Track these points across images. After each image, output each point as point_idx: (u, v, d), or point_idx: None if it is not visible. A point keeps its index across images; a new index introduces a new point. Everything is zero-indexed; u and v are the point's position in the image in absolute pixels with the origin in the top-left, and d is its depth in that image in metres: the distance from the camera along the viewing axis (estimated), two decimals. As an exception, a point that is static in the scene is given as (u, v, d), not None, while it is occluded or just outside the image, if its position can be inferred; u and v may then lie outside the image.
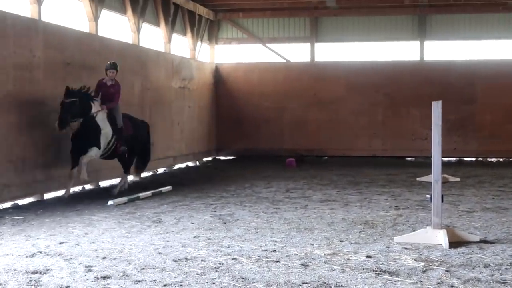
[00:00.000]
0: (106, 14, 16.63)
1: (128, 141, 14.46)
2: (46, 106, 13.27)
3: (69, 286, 6.71)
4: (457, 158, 22.54)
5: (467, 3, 22.50)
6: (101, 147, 13.70)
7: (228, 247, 8.74)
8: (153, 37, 20.01)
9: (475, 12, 23.14)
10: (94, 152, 13.43)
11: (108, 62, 13.96)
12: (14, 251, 8.39)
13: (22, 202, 12.79)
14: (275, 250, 8.52)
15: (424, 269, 7.57)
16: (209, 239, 9.28)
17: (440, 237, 8.91)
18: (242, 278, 7.10)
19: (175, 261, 7.88)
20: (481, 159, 23.20)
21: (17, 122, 12.51)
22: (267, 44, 24.75)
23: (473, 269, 7.59)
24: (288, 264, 7.79)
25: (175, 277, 7.10)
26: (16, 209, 12.10)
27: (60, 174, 13.64)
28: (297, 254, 8.31)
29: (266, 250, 8.57)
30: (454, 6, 22.89)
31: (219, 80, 24.51)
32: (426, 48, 23.99)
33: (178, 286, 6.75)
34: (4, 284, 6.78)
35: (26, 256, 8.04)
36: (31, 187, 12.98)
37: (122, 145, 14.21)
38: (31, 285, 6.75)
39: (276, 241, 9.09)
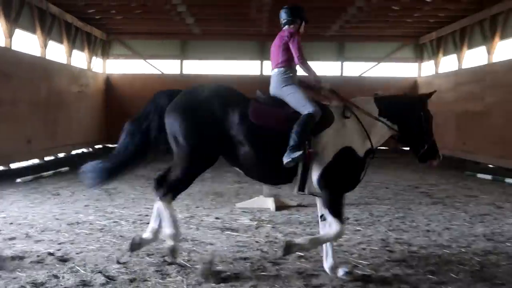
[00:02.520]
0: (19, 33, 15.72)
1: None
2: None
3: (-20, 246, 6.43)
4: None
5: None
6: None
7: (111, 213, 8.62)
8: (57, 52, 19.21)
9: (302, 40, 23.73)
10: None
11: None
12: None
13: None
14: (147, 215, 8.46)
15: (257, 226, 7.79)
16: (96, 207, 9.11)
17: (270, 203, 9.18)
18: (121, 236, 7.04)
19: (69, 224, 7.68)
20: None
21: None
22: (147, 60, 24.39)
23: (291, 225, 7.89)
24: (156, 225, 7.80)
25: (68, 237, 6.92)
26: None
27: None
28: (164, 217, 8.33)
29: (140, 215, 8.52)
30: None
31: (110, 87, 23.86)
32: (265, 65, 24.44)
33: (70, 243, 6.58)
34: None
35: None
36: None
37: None
38: (-51, 246, 6.41)
39: (148, 208, 9.02)
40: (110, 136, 23.92)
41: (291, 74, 5.70)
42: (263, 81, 22.74)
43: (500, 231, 7.53)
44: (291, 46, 5.64)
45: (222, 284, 5.20)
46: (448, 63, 21.46)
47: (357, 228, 7.70)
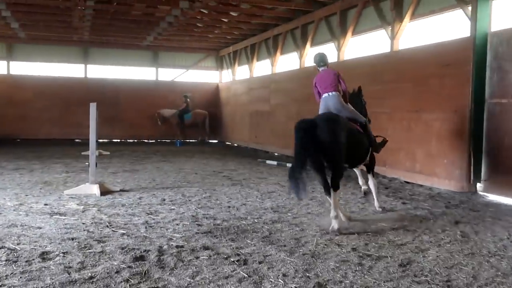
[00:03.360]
0: None
1: None
2: None
3: None
4: (108, 140, 22.19)
5: (116, 42, 22.26)
6: None
7: None
8: None
9: (121, 48, 23.03)
10: None
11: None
12: None
13: None
14: (-25, 204, 7.60)
15: (83, 210, 7.39)
16: None
17: (95, 189, 8.78)
18: None
19: None
20: (123, 140, 23.10)
21: None
22: (-27, 60, 21.78)
23: (115, 207, 7.61)
24: (-15, 213, 7.00)
25: None
26: None
27: None
28: (-8, 206, 7.52)
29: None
30: (107, 43, 22.48)
31: None
32: (89, 69, 23.24)
33: None
34: None
35: None
36: None
37: None
38: None
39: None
40: None
41: (342, 96, 7.27)
42: (87, 83, 21.81)
43: (283, 204, 8.04)
44: (341, 81, 7.22)
45: (50, 262, 4.85)
46: (242, 72, 22.36)
47: (172, 207, 7.69)
